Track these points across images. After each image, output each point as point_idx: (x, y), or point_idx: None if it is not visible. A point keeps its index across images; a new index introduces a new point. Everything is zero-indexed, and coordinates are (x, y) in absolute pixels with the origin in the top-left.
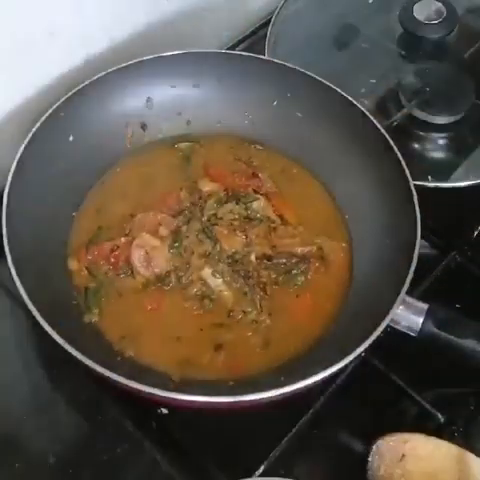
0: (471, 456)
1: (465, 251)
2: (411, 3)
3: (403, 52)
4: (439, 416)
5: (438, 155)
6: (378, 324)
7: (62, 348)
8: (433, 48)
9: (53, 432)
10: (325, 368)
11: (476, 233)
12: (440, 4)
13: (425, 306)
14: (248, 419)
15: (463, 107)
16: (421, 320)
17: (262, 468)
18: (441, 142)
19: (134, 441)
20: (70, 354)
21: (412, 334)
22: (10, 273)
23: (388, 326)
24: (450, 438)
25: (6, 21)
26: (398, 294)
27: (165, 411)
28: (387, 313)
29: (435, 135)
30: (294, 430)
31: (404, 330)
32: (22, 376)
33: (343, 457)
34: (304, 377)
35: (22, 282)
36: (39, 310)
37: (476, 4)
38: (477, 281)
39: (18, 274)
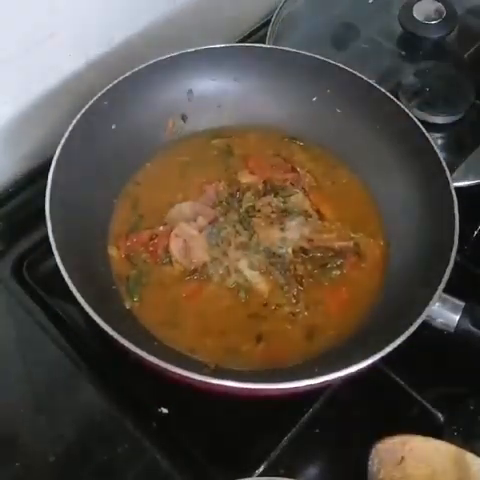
0: (471, 456)
1: (464, 251)
2: (411, 3)
3: (403, 52)
4: (439, 416)
5: None
6: (413, 320)
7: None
8: (433, 48)
9: (53, 432)
10: (358, 361)
11: (476, 233)
12: (440, 4)
13: (462, 304)
14: (248, 419)
15: (463, 107)
16: (457, 317)
17: (262, 468)
18: (441, 142)
19: (134, 441)
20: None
21: (449, 331)
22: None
23: (424, 322)
24: (450, 438)
25: (6, 21)
26: (434, 291)
27: (165, 411)
28: (423, 310)
29: (435, 135)
30: (294, 430)
31: (440, 327)
32: (22, 375)
33: (343, 456)
34: (338, 369)
35: (65, 266)
36: (81, 293)
37: (476, 4)
38: (477, 281)
39: (61, 257)
